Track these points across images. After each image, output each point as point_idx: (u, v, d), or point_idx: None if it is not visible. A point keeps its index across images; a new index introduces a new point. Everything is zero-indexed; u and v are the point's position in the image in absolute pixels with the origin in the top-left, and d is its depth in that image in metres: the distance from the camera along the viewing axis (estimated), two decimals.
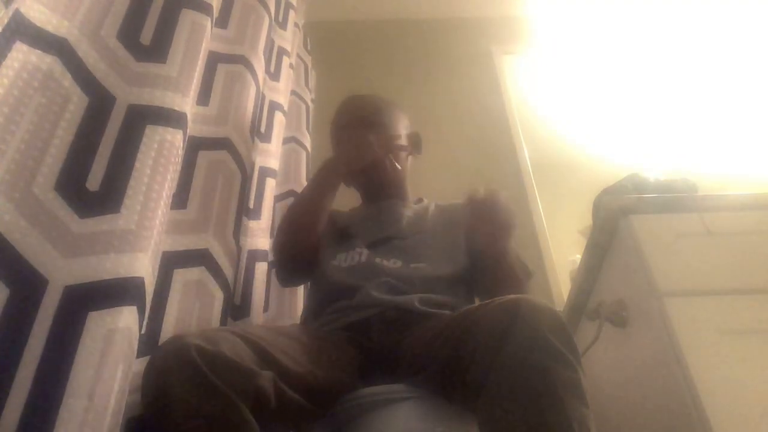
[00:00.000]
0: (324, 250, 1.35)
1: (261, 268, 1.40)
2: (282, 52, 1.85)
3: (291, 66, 1.98)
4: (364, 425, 1.00)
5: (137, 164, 0.78)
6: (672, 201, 1.48)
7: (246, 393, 0.76)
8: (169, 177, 0.81)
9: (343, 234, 1.37)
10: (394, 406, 0.99)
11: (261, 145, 1.57)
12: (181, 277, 0.94)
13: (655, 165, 2.41)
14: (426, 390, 1.00)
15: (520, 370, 0.77)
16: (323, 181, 1.37)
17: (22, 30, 0.70)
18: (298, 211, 1.38)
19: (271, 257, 1.47)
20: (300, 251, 1.33)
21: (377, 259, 1.27)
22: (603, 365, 1.50)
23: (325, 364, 0.97)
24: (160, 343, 0.84)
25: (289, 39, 1.95)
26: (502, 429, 0.76)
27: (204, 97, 1.18)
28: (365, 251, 1.29)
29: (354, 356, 1.09)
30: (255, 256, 1.39)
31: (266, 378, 0.80)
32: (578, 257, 1.85)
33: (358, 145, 1.37)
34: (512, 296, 0.86)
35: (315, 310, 1.28)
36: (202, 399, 0.72)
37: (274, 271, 1.44)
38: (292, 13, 2.02)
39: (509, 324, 0.80)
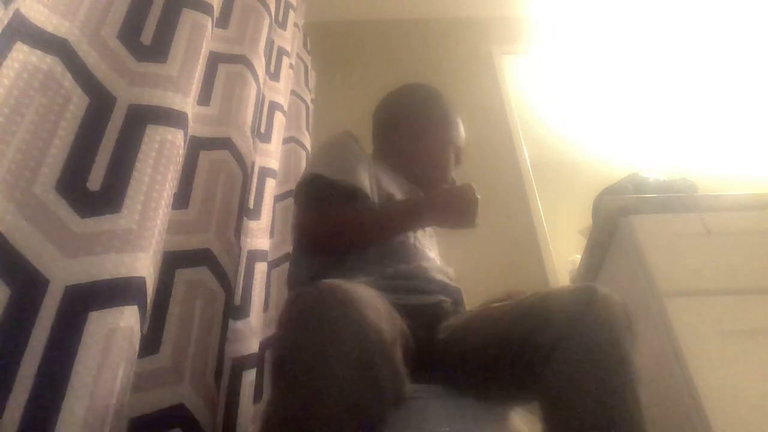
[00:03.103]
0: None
1: (260, 268, 1.40)
2: (282, 52, 1.85)
3: (291, 66, 1.98)
4: None
5: (138, 164, 0.78)
6: (672, 201, 1.48)
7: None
8: (170, 176, 0.81)
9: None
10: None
11: (261, 145, 1.57)
12: (183, 277, 0.94)
13: (655, 165, 2.42)
14: (453, 385, 1.01)
15: (591, 357, 0.79)
16: (413, 224, 1.24)
17: (23, 30, 0.70)
18: (369, 234, 1.21)
19: (293, 236, 1.35)
20: (347, 252, 1.23)
21: (421, 247, 1.26)
22: None
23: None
24: (161, 344, 0.85)
25: (289, 39, 1.95)
26: (577, 415, 0.78)
27: (205, 97, 1.18)
28: (411, 234, 1.27)
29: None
30: (255, 256, 1.39)
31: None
32: (578, 257, 1.86)
33: (472, 212, 1.22)
34: (590, 287, 0.89)
35: (366, 259, 1.20)
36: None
37: (299, 237, 1.28)
38: (291, 13, 2.02)
39: (587, 306, 0.84)
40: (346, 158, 1.28)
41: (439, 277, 1.19)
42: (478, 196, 1.20)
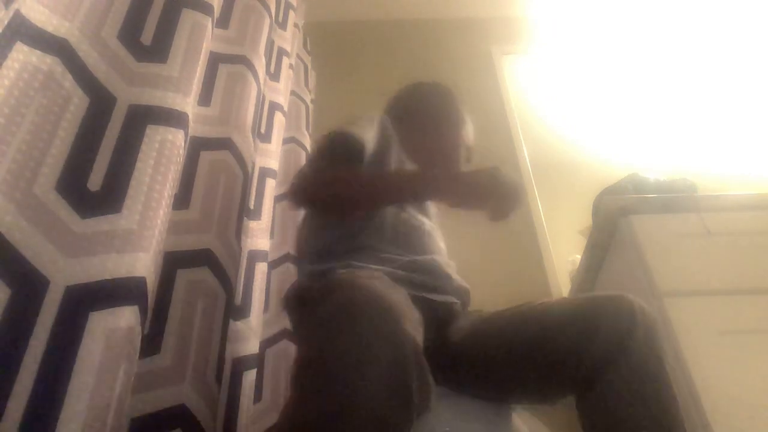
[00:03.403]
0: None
1: (261, 269, 1.40)
2: (282, 52, 1.85)
3: (291, 66, 1.99)
4: None
5: (138, 164, 0.78)
6: (672, 201, 1.48)
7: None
8: (170, 177, 0.81)
9: None
10: None
11: (261, 146, 1.57)
12: (184, 277, 0.94)
13: (655, 165, 2.42)
14: (458, 386, 1.03)
15: (645, 369, 0.86)
16: (413, 196, 1.16)
17: (23, 31, 0.70)
18: (357, 198, 1.12)
19: (288, 198, 1.30)
20: (334, 212, 1.18)
21: (434, 235, 1.25)
22: None
23: None
24: (163, 344, 0.85)
25: (289, 39, 1.95)
26: (627, 418, 0.83)
27: (206, 97, 1.18)
28: (426, 221, 1.26)
29: None
30: (255, 256, 1.39)
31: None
32: (578, 257, 1.86)
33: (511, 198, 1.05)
34: (624, 296, 0.94)
35: (379, 241, 1.16)
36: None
37: (291, 194, 1.22)
38: (291, 14, 2.02)
39: (632, 323, 0.89)
40: (357, 120, 1.26)
41: (450, 273, 1.18)
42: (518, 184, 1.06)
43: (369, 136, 1.23)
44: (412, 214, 1.24)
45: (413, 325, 0.74)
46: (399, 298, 0.78)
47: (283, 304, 1.18)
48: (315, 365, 0.69)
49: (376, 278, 0.86)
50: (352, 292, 0.74)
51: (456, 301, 1.15)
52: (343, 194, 1.12)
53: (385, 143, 1.27)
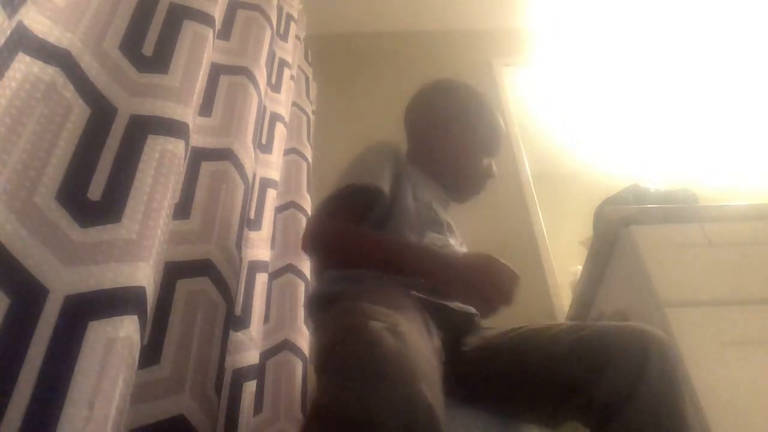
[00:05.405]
0: (406, 199, 1.21)
1: (261, 279, 1.40)
2: (283, 63, 1.86)
3: (292, 77, 2.00)
4: None
5: (138, 174, 0.78)
6: (673, 211, 1.48)
7: None
8: (170, 186, 0.81)
9: (428, 208, 1.25)
10: None
11: (262, 156, 1.58)
12: (184, 287, 0.94)
13: (656, 175, 2.42)
14: (464, 397, 1.01)
15: (661, 406, 0.83)
16: (404, 273, 1.07)
17: (25, 42, 0.70)
18: (362, 258, 1.11)
19: (302, 244, 1.27)
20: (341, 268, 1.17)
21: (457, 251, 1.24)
22: None
23: None
24: (162, 355, 0.84)
25: (291, 51, 1.96)
26: None
27: (207, 108, 1.18)
28: (453, 242, 1.24)
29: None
30: (255, 266, 1.39)
31: None
32: (579, 268, 1.86)
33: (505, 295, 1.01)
34: (637, 328, 0.91)
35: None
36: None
37: (306, 240, 1.20)
38: (293, 26, 2.04)
39: (645, 359, 0.86)
40: (374, 161, 1.24)
41: None
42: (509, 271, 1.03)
43: (386, 177, 1.20)
44: (437, 236, 1.22)
45: (429, 383, 0.69)
46: (414, 339, 0.74)
47: (305, 309, 1.19)
48: (328, 412, 0.66)
49: (393, 307, 0.83)
50: (367, 344, 0.69)
51: (476, 313, 1.14)
52: (347, 251, 1.12)
53: (397, 176, 1.24)
